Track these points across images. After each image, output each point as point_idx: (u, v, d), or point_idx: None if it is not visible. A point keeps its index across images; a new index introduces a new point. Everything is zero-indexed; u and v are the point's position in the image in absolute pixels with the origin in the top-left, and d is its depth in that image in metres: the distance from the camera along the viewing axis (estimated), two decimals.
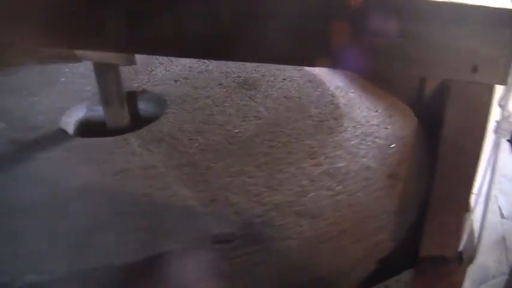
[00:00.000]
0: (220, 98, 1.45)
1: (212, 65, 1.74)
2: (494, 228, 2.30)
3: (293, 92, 1.48)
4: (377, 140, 1.25)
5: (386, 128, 1.33)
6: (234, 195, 1.01)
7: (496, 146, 0.82)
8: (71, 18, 0.73)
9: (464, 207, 0.91)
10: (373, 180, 1.10)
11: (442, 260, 0.94)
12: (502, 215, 2.37)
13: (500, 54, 0.71)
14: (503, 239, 2.24)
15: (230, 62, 1.66)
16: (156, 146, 1.19)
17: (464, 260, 0.94)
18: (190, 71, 1.71)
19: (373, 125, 1.33)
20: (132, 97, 1.50)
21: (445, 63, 0.75)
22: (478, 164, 0.85)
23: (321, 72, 1.69)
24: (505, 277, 1.94)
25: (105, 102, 1.34)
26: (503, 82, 0.74)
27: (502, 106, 0.78)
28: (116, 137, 1.26)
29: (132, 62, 1.30)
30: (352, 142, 1.22)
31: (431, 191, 0.87)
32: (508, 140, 2.40)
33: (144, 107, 1.54)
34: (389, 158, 1.19)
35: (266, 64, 1.56)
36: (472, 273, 1.96)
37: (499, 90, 0.77)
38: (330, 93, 1.48)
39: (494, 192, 0.86)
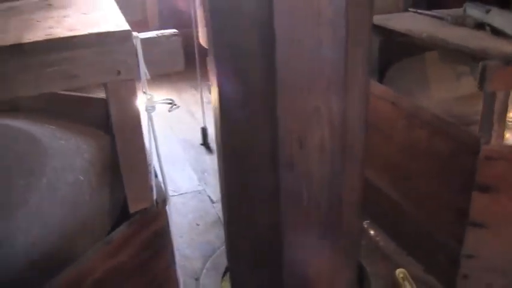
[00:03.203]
0: None
1: None
2: (209, 212, 2.97)
3: None
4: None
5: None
6: None
7: (150, 119, 1.34)
8: None
9: (146, 168, 1.41)
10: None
11: (146, 211, 1.43)
12: (212, 201, 3.06)
13: (130, 58, 1.23)
14: (219, 218, 2.91)
15: None
16: None
17: (159, 203, 1.45)
18: None
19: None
20: None
21: (99, 73, 1.24)
22: (142, 134, 1.36)
23: None
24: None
25: None
26: (137, 78, 1.26)
27: (145, 92, 1.31)
28: None
29: None
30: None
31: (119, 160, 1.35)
32: (201, 144, 3.14)
33: None
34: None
35: None
36: (201, 249, 2.57)
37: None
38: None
39: (159, 150, 1.39)
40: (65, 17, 1.39)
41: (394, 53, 2.87)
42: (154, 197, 1.44)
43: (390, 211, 2.55)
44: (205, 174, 3.43)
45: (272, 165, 1.54)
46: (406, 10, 2.82)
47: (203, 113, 3.71)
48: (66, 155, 1.70)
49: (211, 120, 3.98)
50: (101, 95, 1.63)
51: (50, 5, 1.62)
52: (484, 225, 2.00)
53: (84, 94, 1.84)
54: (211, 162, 3.57)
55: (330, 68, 1.45)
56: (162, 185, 1.47)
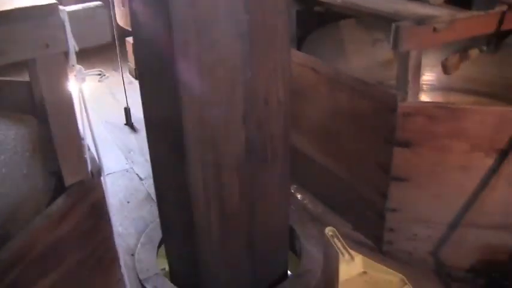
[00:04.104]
0: None
1: None
2: (138, 189, 3.02)
3: None
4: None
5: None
6: None
7: (80, 91, 1.38)
8: None
9: (79, 141, 1.45)
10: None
11: (82, 183, 1.48)
12: (140, 178, 3.10)
13: (58, 32, 1.27)
14: (149, 194, 2.96)
15: None
16: None
17: (94, 174, 1.50)
18: None
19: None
20: None
21: (28, 48, 1.27)
22: (74, 108, 1.40)
23: None
24: (157, 220, 2.65)
25: None
26: (65, 51, 1.30)
27: (73, 65, 1.35)
28: None
29: None
30: None
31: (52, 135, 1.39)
32: (125, 124, 3.17)
33: None
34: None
35: None
36: (134, 225, 2.61)
37: None
38: None
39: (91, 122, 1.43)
40: None
41: (311, 22, 2.98)
42: (89, 169, 1.48)
43: (316, 174, 2.69)
44: (132, 153, 3.46)
45: (243, 128, 1.69)
46: None
47: (125, 93, 3.73)
48: None
49: (134, 100, 4.04)
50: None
51: None
52: (406, 179, 2.16)
53: (5, 78, 1.84)
54: (136, 141, 3.60)
55: (282, 31, 1.65)
56: (96, 157, 1.51)
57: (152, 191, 2.99)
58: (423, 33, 1.99)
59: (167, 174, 1.85)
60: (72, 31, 1.29)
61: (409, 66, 2.00)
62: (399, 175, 2.16)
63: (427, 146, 2.09)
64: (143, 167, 3.26)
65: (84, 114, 1.41)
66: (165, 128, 1.71)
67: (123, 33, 3.93)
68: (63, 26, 1.27)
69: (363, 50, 2.98)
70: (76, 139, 1.43)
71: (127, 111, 3.80)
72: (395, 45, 1.96)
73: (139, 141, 3.58)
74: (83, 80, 1.37)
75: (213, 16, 1.50)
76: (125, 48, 4.47)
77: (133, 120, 3.82)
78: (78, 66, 1.35)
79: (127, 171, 3.24)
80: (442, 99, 2.89)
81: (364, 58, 2.94)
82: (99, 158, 1.50)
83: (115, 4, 3.83)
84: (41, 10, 1.25)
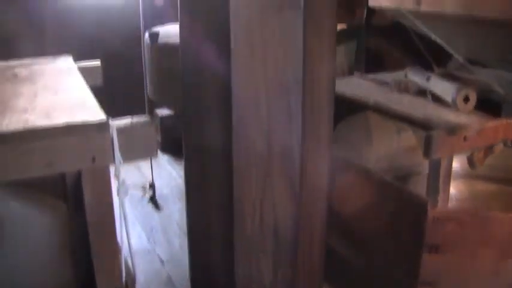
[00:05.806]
0: None
1: None
2: (159, 273, 2.94)
3: None
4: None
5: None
6: None
7: (121, 204, 1.35)
8: None
9: (116, 252, 1.41)
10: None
11: None
12: (161, 261, 3.03)
13: (106, 146, 1.25)
14: (169, 278, 2.89)
15: None
16: None
17: (129, 285, 1.45)
18: None
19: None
20: None
21: (75, 161, 1.24)
22: (114, 220, 1.37)
23: None
24: None
25: None
26: (111, 164, 1.27)
27: (117, 176, 1.32)
28: None
29: None
30: None
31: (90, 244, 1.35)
32: (149, 201, 3.11)
33: None
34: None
35: None
36: None
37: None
38: None
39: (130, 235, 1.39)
40: (35, 96, 1.40)
41: (339, 111, 2.99)
42: (124, 278, 1.44)
43: (339, 267, 2.61)
44: (154, 231, 3.40)
45: None
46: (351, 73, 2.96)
47: (151, 167, 3.71)
48: (23, 227, 1.67)
49: (159, 175, 4.01)
50: None
51: (16, 75, 1.62)
52: (433, 283, 2.08)
53: None
54: (159, 219, 3.55)
55: None
56: (131, 266, 1.47)
57: (173, 274, 2.92)
58: (454, 141, 1.96)
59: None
60: (119, 145, 1.27)
61: (440, 174, 1.97)
62: (427, 280, 2.09)
63: (456, 251, 2.03)
64: (165, 248, 3.19)
65: (124, 226, 1.37)
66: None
67: (152, 106, 4.00)
68: (111, 142, 1.25)
69: (388, 138, 2.97)
70: (114, 250, 1.39)
71: (152, 187, 3.76)
72: (426, 154, 1.93)
73: (162, 220, 3.52)
74: (126, 193, 1.34)
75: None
76: None
77: (157, 196, 3.78)
78: (122, 179, 1.32)
79: (148, 252, 3.17)
80: (466, 187, 2.85)
81: (390, 145, 2.93)
82: (134, 269, 1.45)
83: (147, 76, 3.88)
84: (92, 126, 1.23)
